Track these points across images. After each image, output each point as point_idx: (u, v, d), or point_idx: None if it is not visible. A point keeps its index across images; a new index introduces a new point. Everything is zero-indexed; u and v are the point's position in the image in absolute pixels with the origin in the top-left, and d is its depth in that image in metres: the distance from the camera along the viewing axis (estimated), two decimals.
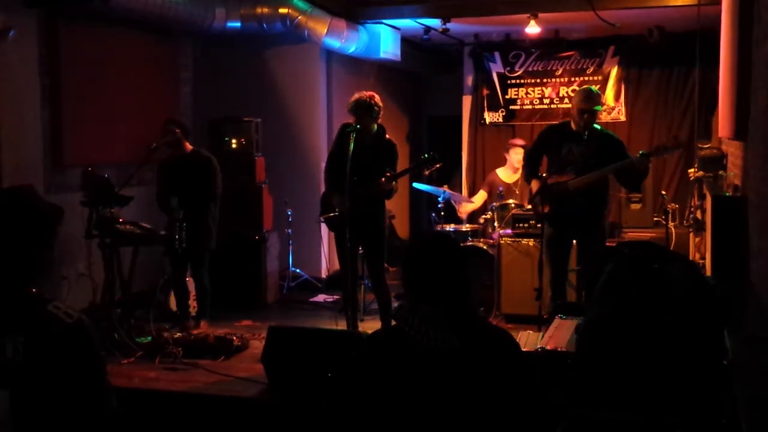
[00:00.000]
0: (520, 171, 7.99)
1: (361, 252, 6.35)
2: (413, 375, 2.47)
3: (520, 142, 8.41)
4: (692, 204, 7.93)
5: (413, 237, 5.96)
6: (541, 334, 4.59)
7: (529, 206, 7.06)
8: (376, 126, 6.08)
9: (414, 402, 2.46)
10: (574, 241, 6.29)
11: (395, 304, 6.14)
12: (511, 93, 10.10)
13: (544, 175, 6.03)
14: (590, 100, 5.96)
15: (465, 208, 8.43)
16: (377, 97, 6.05)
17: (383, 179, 5.88)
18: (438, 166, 7.53)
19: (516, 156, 8.22)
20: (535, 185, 6.12)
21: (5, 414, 2.06)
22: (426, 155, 6.01)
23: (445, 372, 2.45)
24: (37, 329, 2.11)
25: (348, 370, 2.65)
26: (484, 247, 7.33)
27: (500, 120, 10.18)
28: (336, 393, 4.65)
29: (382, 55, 8.77)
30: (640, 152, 5.88)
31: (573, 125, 6.09)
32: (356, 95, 6.03)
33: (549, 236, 6.10)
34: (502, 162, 8.99)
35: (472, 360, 2.47)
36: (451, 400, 2.45)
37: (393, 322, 2.65)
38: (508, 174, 8.33)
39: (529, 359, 3.60)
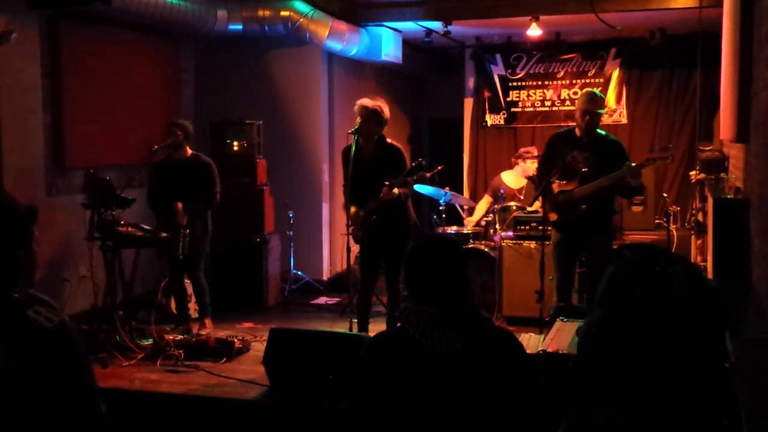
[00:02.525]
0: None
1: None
2: (417, 376, 2.47)
3: (534, 152, 8.16)
4: (694, 206, 7.93)
5: (416, 239, 5.96)
6: (542, 336, 4.58)
7: (531, 208, 7.06)
8: (377, 135, 6.09)
9: (418, 403, 2.46)
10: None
11: None
12: (513, 95, 10.11)
13: (551, 180, 6.02)
14: (593, 102, 5.96)
15: (472, 219, 8.34)
16: (385, 108, 6.05)
17: (384, 189, 5.89)
18: (440, 168, 7.53)
19: (533, 165, 7.91)
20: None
21: None
22: (413, 164, 5.99)
23: (449, 373, 2.45)
24: (16, 336, 2.07)
25: (353, 371, 2.66)
26: (486, 250, 7.32)
27: (502, 122, 10.18)
28: (339, 394, 4.66)
29: (384, 58, 8.77)
30: (626, 164, 5.80)
31: (577, 131, 6.08)
32: (369, 102, 6.01)
33: (557, 241, 6.10)
34: (504, 164, 8.97)
35: (476, 361, 2.47)
36: (455, 401, 2.45)
37: (399, 324, 2.65)
38: (514, 179, 8.14)
39: (533, 361, 3.60)
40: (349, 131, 6.13)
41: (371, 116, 5.99)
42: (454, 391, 2.45)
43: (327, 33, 7.88)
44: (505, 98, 10.13)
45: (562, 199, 5.98)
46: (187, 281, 6.89)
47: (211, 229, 6.80)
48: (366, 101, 6.04)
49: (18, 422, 2.05)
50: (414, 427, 2.47)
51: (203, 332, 6.55)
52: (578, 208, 5.94)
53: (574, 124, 6.25)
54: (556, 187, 6.03)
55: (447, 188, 7.87)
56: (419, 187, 7.74)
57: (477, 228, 7.93)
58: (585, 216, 5.94)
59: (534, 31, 8.56)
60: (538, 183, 6.36)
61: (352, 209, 6.13)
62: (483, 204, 8.31)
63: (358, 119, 6.01)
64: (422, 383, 2.46)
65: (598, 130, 6.08)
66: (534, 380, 2.59)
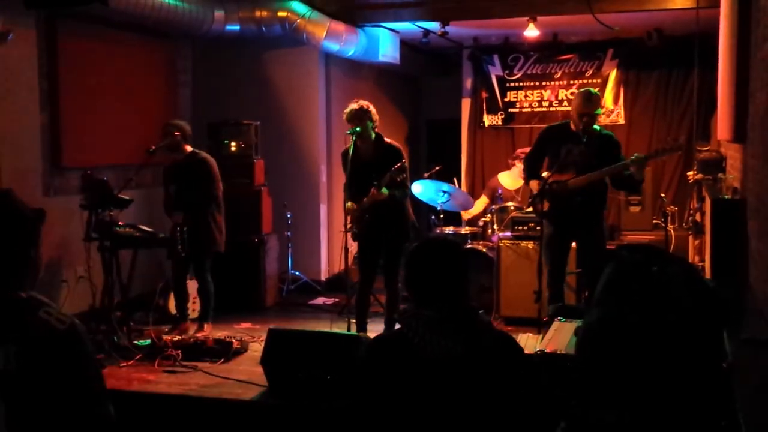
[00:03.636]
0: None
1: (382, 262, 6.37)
2: (414, 379, 2.47)
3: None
4: (691, 207, 7.93)
5: (416, 241, 5.99)
6: (540, 336, 4.59)
7: (529, 209, 7.07)
8: (374, 135, 6.13)
9: (416, 405, 2.46)
10: (573, 243, 6.30)
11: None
12: (510, 96, 10.11)
13: (544, 174, 6.06)
14: (590, 103, 5.98)
15: (467, 213, 8.40)
16: (372, 106, 6.13)
17: (373, 189, 5.91)
18: (438, 168, 7.53)
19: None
20: (534, 185, 6.14)
21: (0, 424, 2.03)
22: (397, 165, 5.97)
23: (447, 376, 2.45)
24: (28, 337, 2.06)
25: (351, 373, 2.66)
26: (484, 250, 7.33)
27: (499, 123, 10.19)
28: (337, 395, 4.66)
29: (381, 58, 8.77)
30: (635, 155, 5.84)
31: (572, 126, 6.10)
32: (353, 104, 6.11)
33: (548, 236, 6.10)
34: (502, 165, 8.98)
35: (474, 364, 2.47)
36: (453, 403, 2.45)
37: (397, 326, 2.65)
38: (511, 180, 8.22)
39: (532, 363, 3.61)
40: (347, 132, 6.15)
41: (361, 115, 6.04)
42: (452, 393, 2.45)
43: (324, 34, 7.87)
44: (502, 99, 10.13)
45: (556, 187, 5.97)
46: (190, 282, 6.88)
47: (220, 230, 6.76)
48: (351, 105, 6.12)
49: (27, 423, 2.05)
50: (412, 430, 2.47)
51: (200, 334, 6.53)
52: (573, 199, 5.95)
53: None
54: (548, 176, 6.03)
55: (453, 183, 7.83)
56: (419, 193, 7.76)
57: (475, 228, 7.95)
58: (577, 208, 5.96)
59: (531, 32, 8.57)
60: (526, 175, 6.36)
61: (349, 204, 6.14)
62: (480, 204, 8.34)
63: (351, 124, 6.06)
64: (420, 386, 2.47)
65: (594, 126, 6.10)
66: (532, 382, 2.59)
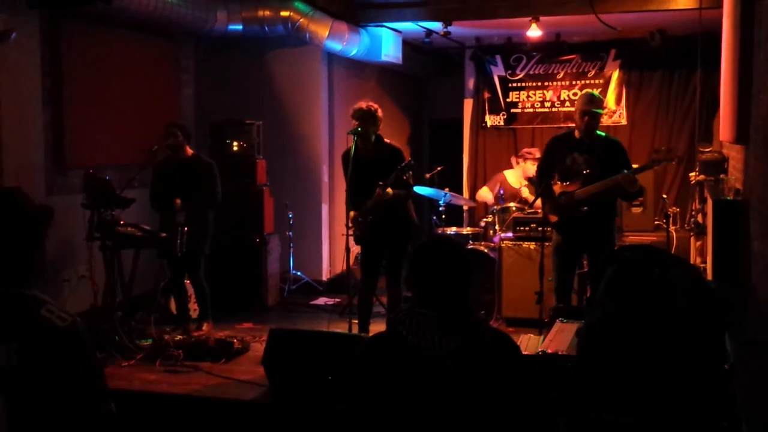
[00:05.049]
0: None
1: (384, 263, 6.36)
2: (410, 378, 2.47)
3: (536, 153, 8.04)
4: (693, 208, 7.92)
5: (417, 241, 6.00)
6: (542, 337, 4.58)
7: (530, 210, 7.07)
8: (374, 137, 6.13)
9: (412, 404, 2.46)
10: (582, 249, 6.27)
11: None
12: (513, 96, 10.10)
13: (551, 182, 6.04)
14: (591, 102, 5.97)
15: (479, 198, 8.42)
16: (380, 111, 6.15)
17: (378, 189, 5.92)
18: (439, 168, 7.52)
19: (533, 167, 7.98)
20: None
21: (1, 420, 2.04)
22: (403, 164, 5.99)
23: (442, 375, 2.45)
24: (30, 334, 2.07)
25: (350, 372, 2.66)
26: (485, 251, 7.32)
27: (501, 123, 10.18)
28: (338, 395, 4.66)
29: (384, 58, 8.77)
30: (624, 171, 5.81)
31: (576, 133, 6.09)
32: (363, 103, 6.10)
33: (557, 243, 6.09)
34: (504, 165, 8.98)
35: (469, 363, 2.47)
36: (448, 402, 2.45)
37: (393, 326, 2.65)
38: (515, 179, 8.24)
39: (529, 362, 3.60)
40: (349, 131, 6.16)
41: (368, 116, 6.05)
42: (447, 392, 2.45)
43: (327, 33, 7.88)
44: (504, 99, 10.12)
45: (564, 199, 5.97)
46: (187, 281, 6.89)
47: (212, 231, 6.79)
48: (360, 103, 6.14)
49: (29, 419, 2.06)
50: (408, 428, 2.47)
51: (199, 334, 6.53)
52: (579, 209, 5.93)
53: (573, 125, 6.25)
54: (558, 188, 6.03)
55: (446, 189, 7.87)
56: (420, 189, 7.76)
57: (476, 228, 7.95)
58: (585, 218, 5.94)
59: (534, 32, 8.56)
60: (537, 186, 6.38)
61: (351, 213, 6.15)
62: (487, 192, 8.30)
63: (355, 122, 6.07)
64: (415, 384, 2.47)
65: (598, 132, 6.08)
66: (529, 381, 2.59)
